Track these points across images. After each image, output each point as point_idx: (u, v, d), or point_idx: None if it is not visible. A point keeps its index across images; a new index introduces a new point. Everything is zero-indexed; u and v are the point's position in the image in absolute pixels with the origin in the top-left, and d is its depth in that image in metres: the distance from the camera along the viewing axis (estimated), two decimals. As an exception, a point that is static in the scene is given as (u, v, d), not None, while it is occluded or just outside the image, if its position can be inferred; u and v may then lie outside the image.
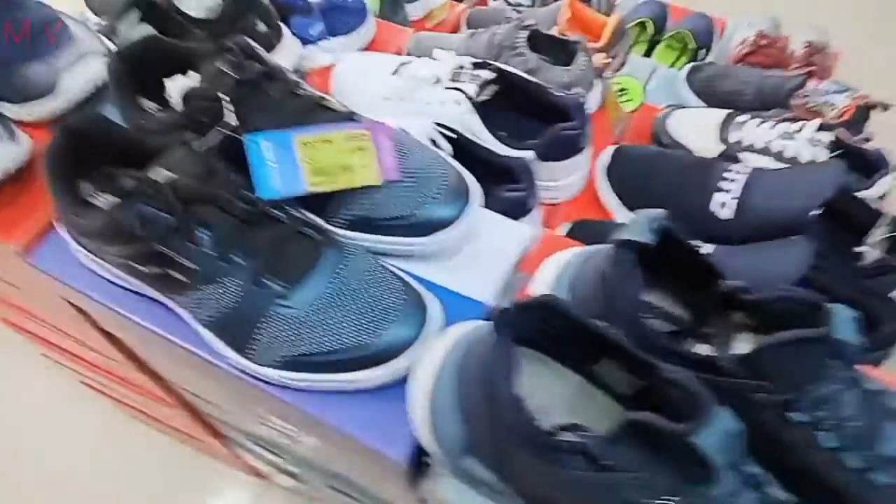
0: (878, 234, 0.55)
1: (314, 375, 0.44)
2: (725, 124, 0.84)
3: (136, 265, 0.43)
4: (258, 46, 0.49)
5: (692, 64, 1.11)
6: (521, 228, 0.54)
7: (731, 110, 0.86)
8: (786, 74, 1.03)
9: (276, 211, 0.44)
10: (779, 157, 0.79)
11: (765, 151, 0.80)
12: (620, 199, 0.68)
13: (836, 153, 0.81)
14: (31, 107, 0.57)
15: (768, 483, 0.33)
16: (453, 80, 0.67)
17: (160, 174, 0.41)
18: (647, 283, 0.41)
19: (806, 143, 0.78)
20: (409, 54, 0.98)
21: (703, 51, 1.30)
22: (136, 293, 0.48)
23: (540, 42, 0.93)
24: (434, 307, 0.46)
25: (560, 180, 0.69)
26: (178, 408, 0.86)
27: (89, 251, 0.47)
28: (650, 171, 0.67)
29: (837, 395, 0.36)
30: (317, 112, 0.48)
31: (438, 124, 0.64)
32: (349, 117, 0.49)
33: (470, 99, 0.65)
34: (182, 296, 0.44)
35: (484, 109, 0.69)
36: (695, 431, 0.29)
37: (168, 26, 0.61)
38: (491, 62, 0.68)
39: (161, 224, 0.40)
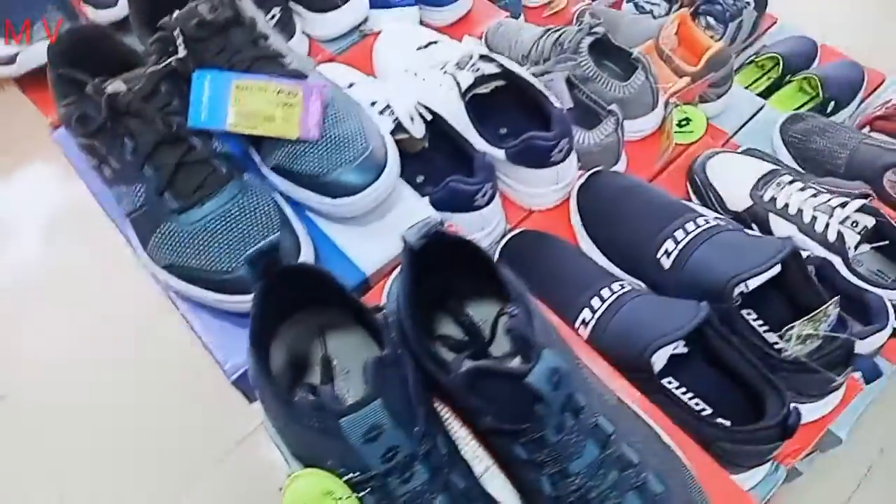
0: (802, 327, 0.49)
1: (186, 285, 0.51)
2: (765, 179, 0.78)
3: (85, 153, 0.53)
4: (246, 3, 0.55)
5: (792, 112, 1.01)
6: (426, 210, 0.57)
7: (777, 166, 0.79)
8: (887, 145, 0.91)
9: (194, 139, 0.52)
10: (807, 228, 0.72)
11: (794, 218, 0.73)
12: (583, 222, 0.67)
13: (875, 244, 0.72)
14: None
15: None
16: (457, 67, 0.69)
17: (114, 85, 0.50)
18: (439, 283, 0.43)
19: (841, 221, 0.71)
20: (486, 39, 1.00)
21: (834, 103, 1.16)
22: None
23: (604, 51, 0.91)
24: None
25: (529, 188, 0.69)
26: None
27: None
28: (617, 201, 0.65)
29: (563, 443, 0.35)
30: (266, 64, 0.54)
31: (424, 106, 0.67)
32: (295, 75, 0.55)
33: (461, 88, 0.67)
34: (112, 188, 0.53)
35: (481, 102, 0.70)
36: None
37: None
38: (495, 57, 0.69)
39: (93, 124, 0.49)
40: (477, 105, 0.70)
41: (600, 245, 0.66)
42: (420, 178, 0.72)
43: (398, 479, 0.34)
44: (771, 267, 0.51)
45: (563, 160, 0.66)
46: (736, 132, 1.00)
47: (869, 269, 0.76)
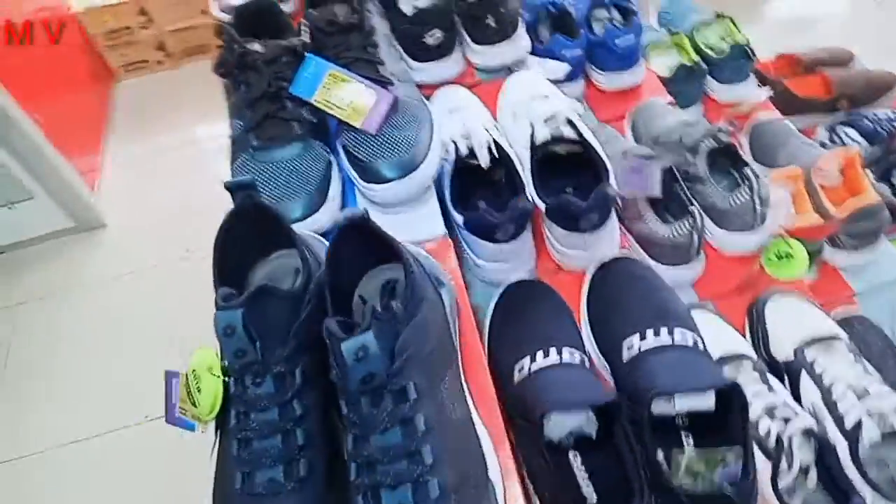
0: (692, 459, 0.49)
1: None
2: (818, 341, 0.73)
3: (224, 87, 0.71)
4: (373, 17, 0.69)
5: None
6: (436, 226, 0.65)
7: (839, 336, 0.73)
8: None
9: (289, 102, 0.66)
10: (835, 412, 0.67)
11: (824, 397, 0.68)
12: (588, 296, 0.71)
13: None
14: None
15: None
16: (543, 122, 0.76)
17: (252, 45, 0.67)
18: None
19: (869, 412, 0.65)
20: (634, 111, 1.04)
21: None
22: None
23: (729, 157, 0.91)
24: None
25: (559, 245, 0.74)
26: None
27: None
28: (621, 286, 0.67)
29: (363, 415, 0.43)
30: (364, 66, 0.68)
31: (496, 143, 0.76)
32: (381, 81, 0.67)
33: (534, 140, 0.74)
34: (229, 116, 0.70)
35: (552, 158, 0.77)
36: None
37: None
38: (579, 126, 0.74)
39: (227, 67, 0.67)
40: (551, 159, 0.77)
41: (591, 319, 0.69)
42: (482, 204, 0.81)
43: (250, 381, 0.45)
44: (694, 392, 0.51)
45: (591, 230, 0.70)
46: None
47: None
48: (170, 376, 0.52)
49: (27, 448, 1.52)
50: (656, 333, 0.60)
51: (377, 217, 0.67)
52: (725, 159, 0.91)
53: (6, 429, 1.56)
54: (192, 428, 0.49)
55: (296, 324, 0.46)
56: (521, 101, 0.84)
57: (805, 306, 0.79)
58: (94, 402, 1.56)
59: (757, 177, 0.85)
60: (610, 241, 0.74)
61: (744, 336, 0.80)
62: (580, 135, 0.75)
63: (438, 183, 0.76)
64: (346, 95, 0.66)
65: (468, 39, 0.99)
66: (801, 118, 1.34)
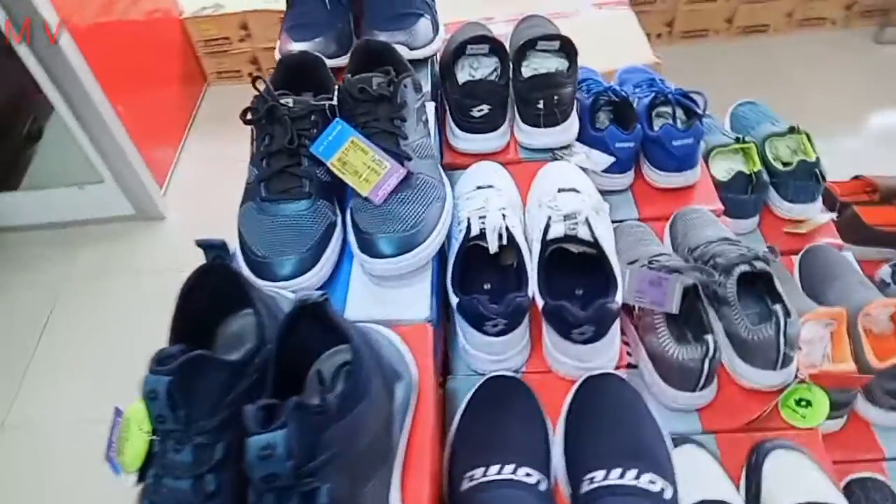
0: None
1: (237, 247, 0.68)
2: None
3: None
4: (407, 91, 0.70)
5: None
6: (421, 309, 0.64)
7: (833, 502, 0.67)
8: None
9: (306, 160, 0.67)
10: None
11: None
12: (569, 408, 0.67)
13: None
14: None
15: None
16: (561, 217, 0.74)
17: (285, 99, 0.68)
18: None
19: None
20: (677, 217, 1.00)
21: None
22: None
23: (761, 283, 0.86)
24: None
25: (553, 349, 0.71)
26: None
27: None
28: (598, 409, 0.63)
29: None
30: (385, 138, 0.68)
31: (508, 230, 0.74)
32: (398, 155, 0.67)
33: (546, 234, 0.72)
34: (250, 160, 0.72)
35: (566, 256, 0.74)
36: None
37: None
38: (593, 227, 0.72)
39: (254, 115, 0.68)
40: (564, 258, 0.75)
41: (566, 436, 0.65)
42: (488, 286, 0.79)
43: (171, 446, 0.44)
44: None
45: (584, 342, 0.67)
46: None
47: None
48: (116, 414, 0.52)
49: (48, 418, 1.58)
50: (622, 474, 0.56)
51: (367, 285, 0.67)
52: (762, 285, 0.85)
53: (34, 395, 1.63)
54: (118, 472, 0.49)
55: (231, 395, 0.46)
56: (547, 192, 0.83)
57: (808, 466, 0.72)
58: (118, 385, 1.60)
59: (788, 315, 0.79)
60: (605, 356, 0.71)
61: (739, 481, 0.74)
62: (595, 238, 0.72)
63: (445, 257, 0.75)
64: (359, 163, 0.66)
65: (518, 117, 0.98)
66: (866, 249, 1.25)
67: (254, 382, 0.47)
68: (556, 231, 0.73)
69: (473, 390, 0.69)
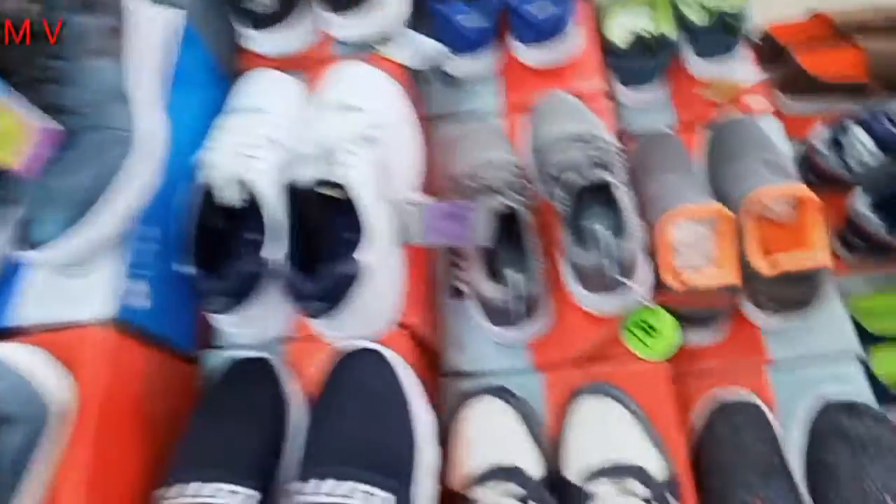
0: None
1: None
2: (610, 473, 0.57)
3: None
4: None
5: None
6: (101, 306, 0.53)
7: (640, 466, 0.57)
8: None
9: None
10: None
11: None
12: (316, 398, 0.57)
13: None
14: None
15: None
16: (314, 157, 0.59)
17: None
18: None
19: None
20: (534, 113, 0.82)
21: None
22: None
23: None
24: None
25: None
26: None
27: None
28: (335, 392, 0.53)
29: None
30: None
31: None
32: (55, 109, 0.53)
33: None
34: None
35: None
36: None
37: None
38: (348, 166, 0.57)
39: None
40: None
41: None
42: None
43: None
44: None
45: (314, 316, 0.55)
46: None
47: None
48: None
49: None
50: (326, 487, 0.47)
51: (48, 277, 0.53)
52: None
53: None
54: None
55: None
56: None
57: (617, 418, 0.61)
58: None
59: (622, 234, 0.65)
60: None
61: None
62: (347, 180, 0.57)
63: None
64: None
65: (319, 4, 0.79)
66: (814, 103, 1.03)
67: None
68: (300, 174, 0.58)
69: (223, 374, 0.60)
